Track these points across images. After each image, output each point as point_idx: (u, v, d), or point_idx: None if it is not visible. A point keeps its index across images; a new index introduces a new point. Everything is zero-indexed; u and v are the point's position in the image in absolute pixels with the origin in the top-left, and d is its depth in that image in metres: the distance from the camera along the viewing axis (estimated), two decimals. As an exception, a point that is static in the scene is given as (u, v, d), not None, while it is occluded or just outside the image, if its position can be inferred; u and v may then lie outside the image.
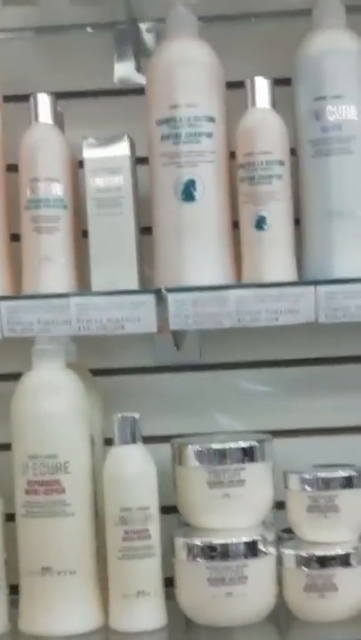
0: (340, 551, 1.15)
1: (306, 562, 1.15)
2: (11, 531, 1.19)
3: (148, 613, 1.15)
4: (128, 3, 1.24)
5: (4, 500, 1.20)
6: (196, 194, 1.18)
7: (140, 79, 1.28)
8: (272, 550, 1.17)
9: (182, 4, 1.20)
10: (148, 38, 1.32)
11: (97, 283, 1.18)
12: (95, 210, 1.19)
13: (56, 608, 1.15)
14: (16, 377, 1.20)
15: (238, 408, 1.32)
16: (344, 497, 1.17)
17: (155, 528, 1.15)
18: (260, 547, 1.16)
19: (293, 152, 1.20)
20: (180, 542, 1.17)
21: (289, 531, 1.22)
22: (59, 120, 1.24)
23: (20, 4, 1.21)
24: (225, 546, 1.15)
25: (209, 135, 1.18)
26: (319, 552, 1.15)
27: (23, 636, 1.17)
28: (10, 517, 1.19)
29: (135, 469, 1.16)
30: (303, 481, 1.17)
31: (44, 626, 1.16)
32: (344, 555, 1.15)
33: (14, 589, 1.19)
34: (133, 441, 1.17)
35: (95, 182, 1.19)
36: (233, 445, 1.18)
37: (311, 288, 1.14)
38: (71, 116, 1.27)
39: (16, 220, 1.21)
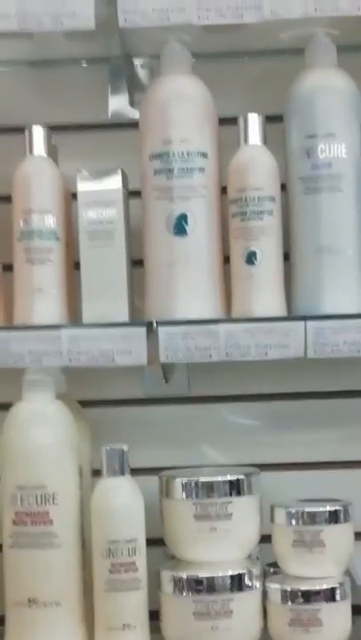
0: (325, 586, 1.16)
1: (291, 596, 1.16)
2: (-2, 561, 1.19)
3: (134, 646, 1.15)
4: (123, 38, 1.25)
5: (-8, 531, 1.20)
6: (188, 228, 1.19)
7: (134, 113, 1.30)
8: (258, 584, 1.18)
9: (177, 41, 1.22)
10: (142, 73, 1.34)
11: (88, 315, 1.19)
12: (87, 242, 1.20)
13: (42, 639, 1.15)
14: (6, 407, 1.20)
15: (226, 441, 1.33)
16: (330, 532, 1.17)
17: (141, 560, 1.16)
18: (246, 581, 1.16)
19: (284, 187, 1.22)
20: (166, 575, 1.18)
21: (275, 565, 1.22)
22: (53, 153, 1.25)
23: (15, 37, 1.22)
24: (211, 579, 1.15)
25: (201, 170, 1.20)
26: (304, 587, 1.16)
27: (8, 667, 1.17)
28: (-3, 548, 1.19)
29: (123, 501, 1.16)
30: (289, 515, 1.18)
31: (30, 657, 1.16)
32: (329, 590, 1.16)
33: (0, 620, 1.19)
34: (121, 473, 1.17)
35: (88, 215, 1.20)
36: (220, 479, 1.19)
37: (301, 323, 1.15)
38: (65, 148, 1.28)
39: (9, 251, 1.22)
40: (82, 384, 1.29)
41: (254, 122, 1.22)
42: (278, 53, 1.30)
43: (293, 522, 1.18)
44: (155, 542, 1.21)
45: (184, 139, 1.19)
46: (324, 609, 1.15)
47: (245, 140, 1.22)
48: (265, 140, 1.22)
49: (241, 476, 1.19)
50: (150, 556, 1.18)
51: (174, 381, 1.33)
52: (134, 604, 1.15)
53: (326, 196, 1.18)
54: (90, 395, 1.32)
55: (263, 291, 1.18)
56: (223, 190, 1.22)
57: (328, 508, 1.18)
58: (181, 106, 1.20)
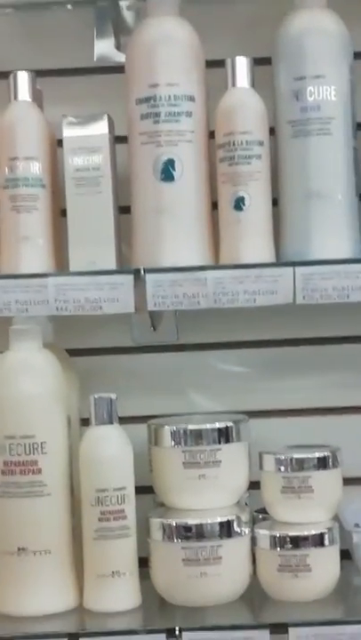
0: (313, 532, 1.16)
1: (280, 542, 1.16)
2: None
3: (123, 593, 1.15)
4: (109, -20, 1.23)
5: (-20, 480, 1.20)
6: (176, 174, 1.17)
7: (120, 57, 1.27)
8: (246, 531, 1.18)
9: (163, -18, 1.20)
10: (129, 16, 1.31)
11: (75, 263, 1.18)
12: (74, 189, 1.18)
13: (31, 588, 1.15)
14: (-7, 357, 1.19)
15: (215, 389, 1.32)
16: (318, 478, 1.17)
17: (130, 508, 1.16)
18: (235, 527, 1.17)
19: (273, 132, 1.20)
20: (155, 523, 1.18)
21: (263, 511, 1.22)
22: (38, 98, 1.23)
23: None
24: (200, 526, 1.16)
25: (188, 114, 1.18)
26: (293, 532, 1.16)
27: (-2, 614, 1.17)
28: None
29: (111, 450, 1.16)
30: (277, 462, 1.18)
31: (20, 605, 1.16)
32: (318, 535, 1.16)
33: (-10, 568, 1.19)
34: (110, 421, 1.17)
35: (74, 161, 1.18)
36: (209, 426, 1.18)
37: (290, 269, 1.14)
38: (50, 94, 1.26)
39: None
40: (69, 333, 1.28)
41: (242, 64, 1.20)
42: (267, -6, 1.28)
43: (282, 468, 1.18)
44: (144, 490, 1.21)
45: (171, 82, 1.17)
46: (313, 554, 1.15)
47: (233, 83, 1.20)
48: (253, 84, 1.20)
49: (229, 424, 1.19)
50: (139, 503, 1.18)
51: (162, 329, 1.32)
52: (123, 551, 1.15)
53: (315, 140, 1.17)
54: (78, 344, 1.31)
55: (251, 237, 1.17)
56: (211, 135, 1.20)
57: (316, 454, 1.17)
58: (168, 49, 1.18)
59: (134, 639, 1.11)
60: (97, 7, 1.31)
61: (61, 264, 1.21)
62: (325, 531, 1.16)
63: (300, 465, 1.17)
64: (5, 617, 1.16)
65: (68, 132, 1.19)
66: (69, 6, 1.32)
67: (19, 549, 1.16)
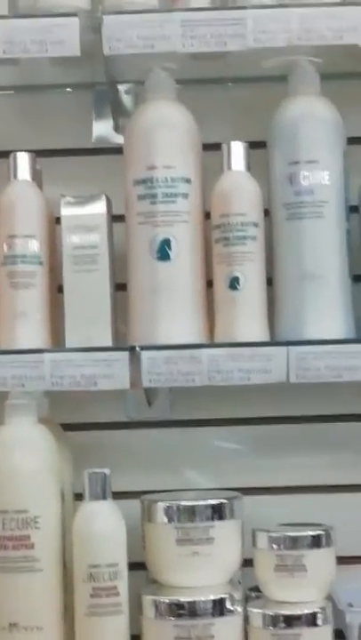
0: (306, 611, 1.16)
1: (273, 621, 1.15)
2: (-21, 586, 1.18)
3: (115, 671, 1.15)
4: (108, 65, 1.26)
5: (-27, 555, 1.20)
6: (172, 253, 1.20)
7: (118, 139, 1.31)
8: (239, 609, 1.17)
9: (161, 68, 1.23)
10: (127, 99, 1.35)
11: (71, 339, 1.19)
12: (71, 266, 1.20)
13: (22, 664, 1.15)
14: (-12, 431, 1.20)
15: (208, 465, 1.33)
16: (312, 556, 1.17)
17: (123, 585, 1.15)
18: (228, 605, 1.16)
19: (267, 213, 1.23)
20: (147, 599, 1.17)
21: (257, 589, 1.22)
22: (37, 177, 1.26)
23: (1, 63, 1.23)
24: (192, 604, 1.15)
25: (185, 196, 1.20)
26: (286, 611, 1.16)
27: None
28: (-22, 572, 1.19)
29: (105, 526, 1.16)
30: (271, 540, 1.18)
31: None
32: (311, 614, 1.15)
33: (-19, 645, 1.19)
34: (103, 497, 1.17)
35: (72, 239, 1.21)
36: (202, 503, 1.19)
37: (283, 349, 1.16)
38: (50, 173, 1.29)
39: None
40: (64, 408, 1.29)
41: (238, 149, 1.23)
42: (262, 80, 1.31)
43: (275, 546, 1.18)
44: (136, 566, 1.21)
45: (168, 165, 1.20)
46: (306, 633, 1.15)
47: (229, 167, 1.23)
48: (248, 167, 1.23)
49: (223, 501, 1.20)
50: (132, 580, 1.17)
51: (157, 405, 1.33)
52: (115, 628, 1.15)
53: (309, 223, 1.19)
54: (72, 418, 1.32)
55: (246, 316, 1.19)
56: (207, 216, 1.23)
57: (310, 533, 1.18)
58: (165, 132, 1.21)
59: None
60: (95, 90, 1.34)
61: (58, 340, 1.22)
62: (319, 610, 1.16)
63: (294, 543, 1.17)
64: None
65: (67, 211, 1.21)
66: (69, 89, 1.36)
67: (10, 625, 1.15)
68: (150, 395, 1.31)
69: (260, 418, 1.33)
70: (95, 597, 1.14)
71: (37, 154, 1.26)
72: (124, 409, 1.33)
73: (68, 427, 1.29)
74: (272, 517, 1.25)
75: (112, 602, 1.14)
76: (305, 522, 1.22)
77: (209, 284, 1.22)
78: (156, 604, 1.16)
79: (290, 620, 1.15)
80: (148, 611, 1.17)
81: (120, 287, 1.23)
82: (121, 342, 1.21)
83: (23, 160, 1.24)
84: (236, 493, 1.23)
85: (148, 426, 1.33)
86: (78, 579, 1.15)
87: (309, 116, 1.21)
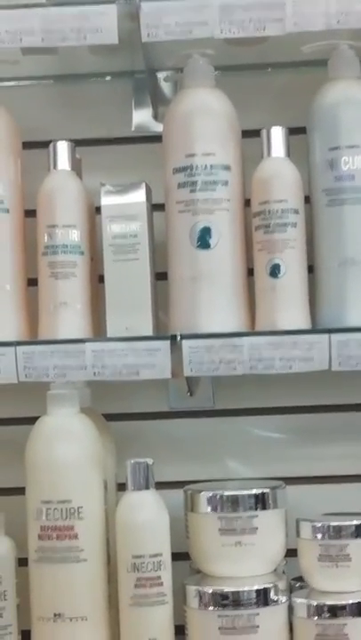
0: (351, 601, 1.15)
1: (317, 611, 1.15)
2: (23, 576, 1.19)
3: (159, 661, 1.15)
4: (147, 53, 1.26)
5: (18, 545, 1.20)
6: (212, 241, 1.19)
7: (158, 127, 1.30)
8: (283, 599, 1.17)
9: (199, 55, 1.22)
10: (166, 87, 1.34)
11: (112, 328, 1.19)
12: (111, 256, 1.20)
13: (67, 654, 1.15)
14: (31, 421, 1.20)
15: (251, 455, 1.32)
16: (356, 546, 1.16)
17: (167, 575, 1.15)
18: (272, 595, 1.16)
19: (308, 200, 1.21)
20: (191, 590, 1.17)
21: (301, 579, 1.21)
22: (77, 167, 1.25)
23: (40, 53, 1.23)
24: (237, 594, 1.15)
25: (225, 183, 1.19)
26: (330, 601, 1.15)
27: None
28: (22, 562, 1.19)
29: (148, 516, 1.16)
30: (315, 529, 1.17)
31: (55, 672, 1.15)
32: (355, 604, 1.14)
33: (26, 635, 1.19)
34: (146, 487, 1.17)
35: (112, 229, 1.20)
36: (245, 492, 1.18)
37: (325, 336, 1.15)
38: (89, 162, 1.28)
39: (33, 266, 1.22)
40: (107, 398, 1.29)
41: (277, 134, 1.21)
42: (301, 65, 1.30)
43: (319, 536, 1.17)
44: (180, 557, 1.21)
45: (207, 152, 1.19)
46: (351, 624, 1.14)
47: (269, 153, 1.21)
48: (288, 153, 1.21)
49: (266, 490, 1.19)
50: (176, 570, 1.17)
51: (199, 394, 1.32)
52: (160, 618, 1.15)
53: (350, 208, 1.18)
54: (115, 408, 1.31)
55: (287, 303, 1.18)
56: (247, 203, 1.22)
57: (354, 522, 1.17)
58: (205, 119, 1.20)
59: None
60: (135, 78, 1.34)
61: (99, 330, 1.22)
62: (363, 600, 1.15)
63: (338, 533, 1.16)
64: None
65: (107, 200, 1.21)
66: (108, 77, 1.35)
67: (55, 615, 1.15)
68: (192, 384, 1.31)
69: (302, 407, 1.32)
70: (139, 588, 1.14)
71: (77, 143, 1.25)
72: (166, 398, 1.33)
73: (110, 417, 1.29)
74: (316, 507, 1.24)
75: (156, 592, 1.14)
76: (349, 511, 1.21)
77: (250, 272, 1.21)
78: (200, 595, 1.16)
79: (334, 610, 1.14)
80: (192, 601, 1.17)
81: (160, 276, 1.23)
82: (162, 332, 1.20)
83: (63, 149, 1.24)
84: (279, 483, 1.22)
85: (190, 415, 1.33)
86: (122, 569, 1.15)
87: (350, 100, 1.19)
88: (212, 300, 1.18)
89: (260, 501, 1.18)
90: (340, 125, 1.19)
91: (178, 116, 1.21)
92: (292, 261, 1.18)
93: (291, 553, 1.21)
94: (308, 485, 1.30)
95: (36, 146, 1.27)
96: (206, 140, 1.19)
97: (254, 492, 1.18)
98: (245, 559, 1.18)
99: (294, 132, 1.22)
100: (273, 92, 1.32)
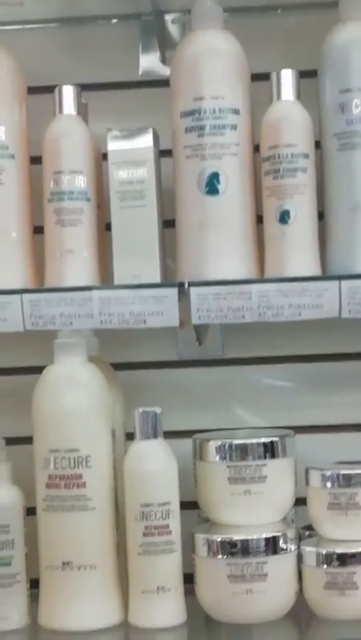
0: (360, 549, 1.14)
1: (326, 559, 1.14)
2: (31, 525, 1.18)
3: (168, 609, 1.15)
4: (153, -6, 1.23)
5: (25, 494, 1.20)
6: (220, 187, 1.17)
7: (166, 71, 1.27)
8: (293, 547, 1.16)
9: (208, -4, 1.19)
10: (174, 30, 1.32)
11: (120, 276, 1.17)
12: (118, 202, 1.18)
13: (76, 603, 1.15)
14: (38, 370, 1.19)
15: (260, 403, 1.31)
16: (366, 494, 1.16)
17: (175, 524, 1.15)
18: (281, 544, 1.15)
19: (318, 145, 1.19)
20: (200, 538, 1.17)
21: (310, 528, 1.21)
22: (83, 112, 1.23)
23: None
24: (245, 542, 1.15)
25: (233, 127, 1.17)
26: (340, 550, 1.14)
27: (42, 630, 1.17)
28: (30, 511, 1.19)
29: (156, 465, 1.15)
30: (324, 478, 1.16)
31: (64, 621, 1.15)
32: (365, 552, 1.14)
33: (35, 583, 1.19)
34: (155, 436, 1.16)
35: (119, 175, 1.18)
36: (254, 441, 1.17)
37: (335, 283, 1.13)
38: (96, 108, 1.26)
39: (39, 213, 1.21)
40: (115, 347, 1.28)
41: (287, 77, 1.19)
42: (312, 7, 1.27)
43: (328, 484, 1.16)
44: (189, 506, 1.20)
45: (216, 95, 1.17)
46: (360, 572, 1.14)
47: (278, 96, 1.19)
48: (298, 96, 1.19)
49: (275, 439, 1.18)
50: (185, 519, 1.17)
51: (208, 343, 1.31)
52: (168, 566, 1.14)
53: (361, 153, 1.16)
54: (123, 357, 1.31)
55: (297, 250, 1.16)
56: (256, 148, 1.20)
57: (364, 471, 1.16)
58: (213, 61, 1.17)
59: (179, 656, 1.10)
60: (142, 21, 1.31)
61: (106, 278, 1.21)
62: (373, 548, 1.15)
63: (348, 481, 1.15)
64: (50, 631, 1.16)
65: (113, 146, 1.18)
66: (114, 20, 1.33)
67: (63, 564, 1.15)
68: (201, 333, 1.29)
69: (312, 355, 1.31)
70: (148, 536, 1.14)
71: (83, 88, 1.23)
72: (174, 347, 1.31)
73: (118, 366, 1.28)
74: (325, 456, 1.24)
75: (164, 540, 1.14)
76: (359, 460, 1.20)
77: (259, 219, 1.19)
78: (209, 543, 1.16)
79: (343, 559, 1.14)
80: (201, 549, 1.16)
81: (169, 224, 1.21)
82: (170, 279, 1.19)
83: (68, 93, 1.21)
84: (288, 431, 1.21)
85: (199, 364, 1.32)
86: (131, 518, 1.15)
87: (361, 41, 1.17)
88: (221, 246, 1.17)
89: (270, 450, 1.17)
90: (351, 67, 1.16)
91: (185, 59, 1.19)
92: (302, 207, 1.16)
93: (300, 502, 1.21)
94: (318, 434, 1.29)
95: (42, 91, 1.25)
96: (215, 82, 1.17)
97: (263, 440, 1.18)
98: (254, 508, 1.17)
99: (305, 75, 1.20)
100: (283, 35, 1.29)
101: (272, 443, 1.18)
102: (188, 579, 1.18)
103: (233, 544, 1.15)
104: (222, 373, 1.32)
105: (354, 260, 1.16)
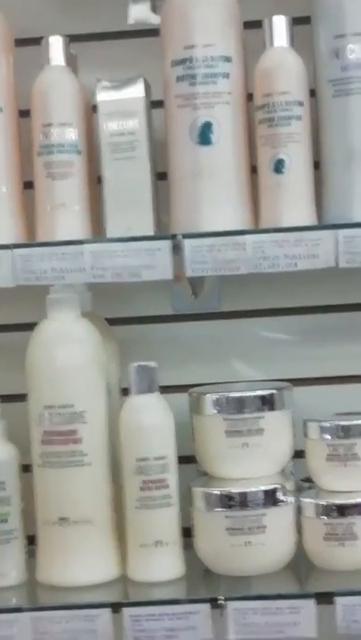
0: (359, 500, 1.13)
1: (325, 511, 1.14)
2: (27, 481, 1.18)
3: (167, 563, 1.14)
4: None
5: (21, 451, 1.19)
6: (213, 137, 1.15)
7: (156, 20, 1.24)
8: (291, 499, 1.16)
9: None
10: (164, -23, 1.29)
11: (112, 229, 1.16)
12: (109, 155, 1.16)
13: (73, 558, 1.15)
14: (31, 327, 1.18)
15: (257, 356, 1.30)
16: (364, 445, 1.15)
17: (172, 477, 1.14)
18: (280, 496, 1.15)
19: (313, 93, 1.17)
20: (198, 492, 1.16)
21: (309, 480, 1.20)
22: (72, 63, 1.21)
23: None
24: (244, 495, 1.14)
25: (225, 76, 1.15)
26: (339, 501, 1.14)
27: (40, 586, 1.16)
28: (26, 468, 1.18)
29: (152, 419, 1.14)
30: (322, 429, 1.16)
31: (61, 576, 1.15)
32: (364, 503, 1.14)
33: (31, 540, 1.19)
34: (150, 390, 1.15)
35: (109, 126, 1.16)
36: (251, 394, 1.17)
37: (331, 232, 1.11)
38: (85, 58, 1.24)
39: (30, 167, 1.19)
40: (109, 301, 1.27)
41: (280, 23, 1.17)
42: None
43: (327, 436, 1.15)
44: (187, 460, 1.20)
45: (207, 43, 1.15)
46: (359, 522, 1.13)
47: (271, 43, 1.17)
48: (292, 43, 1.17)
49: (272, 391, 1.17)
50: (182, 473, 1.16)
51: (204, 297, 1.30)
52: (166, 520, 1.14)
53: (357, 99, 1.14)
54: (118, 312, 1.29)
55: (292, 200, 1.14)
56: (250, 98, 1.18)
57: (362, 422, 1.15)
58: (204, 9, 1.15)
59: (178, 609, 1.10)
60: (132, -31, 1.29)
61: (98, 231, 1.19)
62: (372, 499, 1.14)
63: (346, 432, 1.15)
64: (48, 587, 1.16)
65: (103, 97, 1.16)
66: (103, -31, 1.30)
67: (60, 519, 1.15)
68: (196, 286, 1.28)
69: (309, 307, 1.29)
70: (145, 490, 1.13)
71: (72, 39, 1.21)
72: (169, 301, 1.30)
73: (113, 321, 1.27)
74: (323, 408, 1.23)
75: (162, 494, 1.13)
76: (357, 411, 1.19)
77: (253, 169, 1.17)
78: (207, 496, 1.15)
79: (343, 510, 1.13)
80: (199, 503, 1.16)
81: (161, 176, 1.19)
82: (163, 232, 1.17)
83: (56, 44, 1.19)
84: (285, 384, 1.20)
85: (194, 318, 1.31)
86: (127, 472, 1.14)
87: (355, -16, 1.14)
88: (214, 197, 1.15)
89: (267, 402, 1.17)
90: (345, 12, 1.14)
91: (176, 7, 1.17)
92: (297, 156, 1.14)
93: (299, 455, 1.20)
94: (316, 386, 1.28)
95: (30, 43, 1.23)
96: (206, 30, 1.15)
97: (260, 393, 1.17)
98: (252, 460, 1.16)
99: (298, 22, 1.18)
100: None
101: (269, 395, 1.17)
102: (187, 533, 1.17)
103: (231, 497, 1.14)
104: (218, 327, 1.31)
105: (350, 208, 1.14)
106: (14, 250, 1.14)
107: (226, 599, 1.10)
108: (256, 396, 1.16)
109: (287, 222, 1.14)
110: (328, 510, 1.14)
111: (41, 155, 1.17)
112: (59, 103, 1.17)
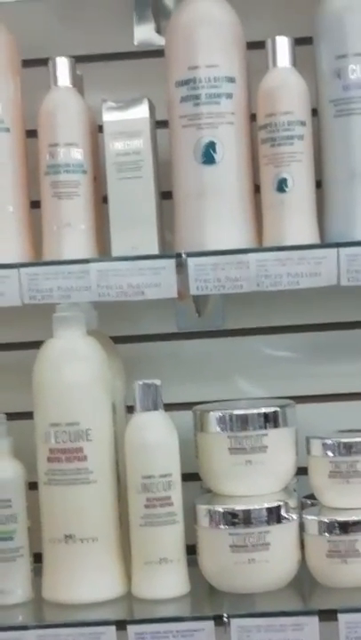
0: (363, 517, 1.14)
1: (328, 528, 1.14)
2: (34, 499, 1.18)
3: (171, 580, 1.15)
4: None
5: (27, 469, 1.20)
6: (217, 156, 1.16)
7: (161, 41, 1.26)
8: (294, 516, 1.16)
9: None
10: (168, -1, 1.31)
11: (117, 248, 1.17)
12: (115, 174, 1.17)
13: (79, 576, 1.15)
14: (37, 345, 1.19)
15: (261, 374, 1.31)
16: (367, 462, 1.16)
17: (177, 495, 1.15)
18: (283, 513, 1.15)
19: (315, 112, 1.18)
20: (202, 509, 1.17)
21: (312, 497, 1.21)
22: (78, 84, 1.22)
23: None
24: (247, 512, 1.14)
25: (229, 96, 1.16)
26: (341, 518, 1.14)
27: (46, 604, 1.17)
28: (32, 486, 1.19)
29: (157, 436, 1.15)
30: (325, 446, 1.16)
31: (67, 594, 1.15)
32: (368, 520, 1.14)
33: (38, 557, 1.19)
34: (155, 408, 1.16)
35: (114, 146, 1.17)
36: (255, 411, 1.17)
37: (333, 250, 1.12)
38: (91, 79, 1.25)
39: (36, 187, 1.20)
40: (114, 320, 1.28)
41: (283, 44, 1.18)
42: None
43: (329, 453, 1.16)
44: (191, 477, 1.20)
45: (211, 64, 1.16)
46: (362, 540, 1.14)
47: (274, 64, 1.18)
48: (295, 63, 1.18)
49: (276, 409, 1.18)
50: (186, 490, 1.17)
51: (208, 315, 1.31)
52: (171, 538, 1.14)
53: (358, 119, 1.15)
54: (123, 331, 1.30)
55: (294, 218, 1.15)
56: (253, 117, 1.19)
57: (365, 439, 1.16)
58: (207, 30, 1.16)
59: (182, 626, 1.10)
60: (136, -9, 1.30)
61: (104, 251, 1.20)
62: (375, 516, 1.15)
63: (348, 449, 1.15)
64: (53, 604, 1.16)
65: (109, 117, 1.18)
66: (108, -9, 1.32)
67: (66, 537, 1.15)
68: (200, 304, 1.29)
69: (312, 325, 1.30)
70: (149, 508, 1.14)
71: (78, 59, 1.22)
72: (174, 319, 1.31)
73: (118, 339, 1.28)
74: (326, 425, 1.23)
75: (166, 512, 1.14)
76: (359, 428, 1.20)
77: (257, 188, 1.18)
78: (211, 514, 1.16)
79: (345, 527, 1.14)
80: (203, 520, 1.16)
81: (166, 196, 1.20)
82: (168, 251, 1.18)
83: (63, 65, 1.21)
84: (288, 401, 1.21)
85: (198, 336, 1.32)
86: (132, 490, 1.15)
87: (355, 6, 1.15)
88: (218, 216, 1.16)
89: (270, 420, 1.17)
90: (346, 33, 1.15)
91: (180, 27, 1.18)
92: (300, 175, 1.15)
93: (302, 472, 1.20)
94: (319, 404, 1.29)
95: (37, 64, 1.24)
96: (210, 51, 1.16)
97: (264, 410, 1.17)
98: (255, 477, 1.17)
99: (300, 42, 1.19)
100: (278, 1, 1.28)
101: (273, 412, 1.17)
102: (191, 550, 1.18)
103: (235, 514, 1.15)
104: (222, 344, 1.32)
105: (352, 227, 1.15)
106: (21, 269, 1.15)
107: (230, 616, 1.10)
108: (259, 414, 1.17)
109: (290, 241, 1.15)
110: (331, 527, 1.14)
111: (47, 174, 1.19)
112: (65, 123, 1.18)
